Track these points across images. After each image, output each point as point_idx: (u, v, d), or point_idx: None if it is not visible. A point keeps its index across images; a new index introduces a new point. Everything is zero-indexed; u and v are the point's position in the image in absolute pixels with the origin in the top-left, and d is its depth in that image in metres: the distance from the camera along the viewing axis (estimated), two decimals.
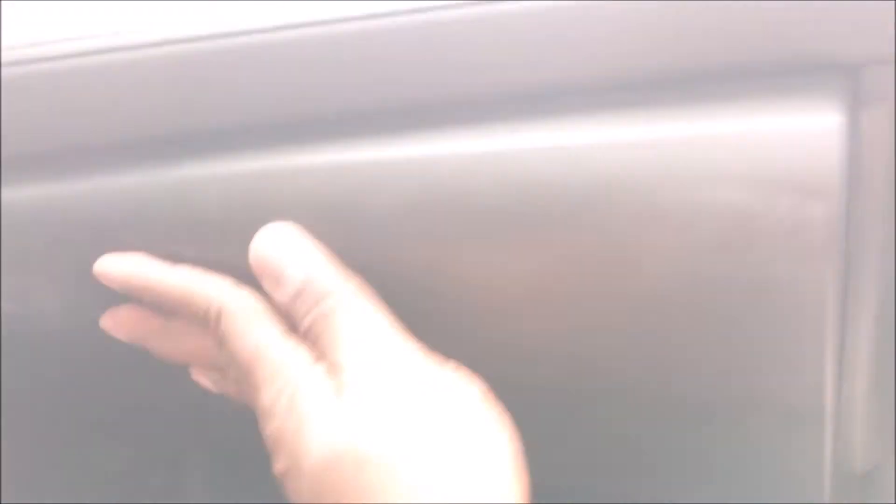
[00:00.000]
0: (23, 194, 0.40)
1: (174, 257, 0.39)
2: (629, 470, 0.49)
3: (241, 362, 0.35)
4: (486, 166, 0.35)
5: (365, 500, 0.30)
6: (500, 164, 0.35)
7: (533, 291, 0.37)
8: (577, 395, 0.42)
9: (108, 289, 0.40)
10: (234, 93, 0.37)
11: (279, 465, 0.32)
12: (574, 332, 0.38)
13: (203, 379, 0.40)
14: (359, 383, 0.32)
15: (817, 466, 0.46)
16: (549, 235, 0.35)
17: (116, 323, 0.41)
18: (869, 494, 0.58)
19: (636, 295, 0.36)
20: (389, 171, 0.36)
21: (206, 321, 0.36)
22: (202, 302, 0.37)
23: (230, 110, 0.37)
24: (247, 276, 0.37)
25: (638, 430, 0.45)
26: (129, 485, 0.62)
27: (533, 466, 0.48)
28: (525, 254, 0.35)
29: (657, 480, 0.51)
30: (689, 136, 0.33)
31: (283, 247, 0.36)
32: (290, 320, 0.36)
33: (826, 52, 0.33)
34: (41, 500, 0.48)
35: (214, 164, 0.38)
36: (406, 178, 0.36)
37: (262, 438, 0.34)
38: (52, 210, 0.40)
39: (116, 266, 0.39)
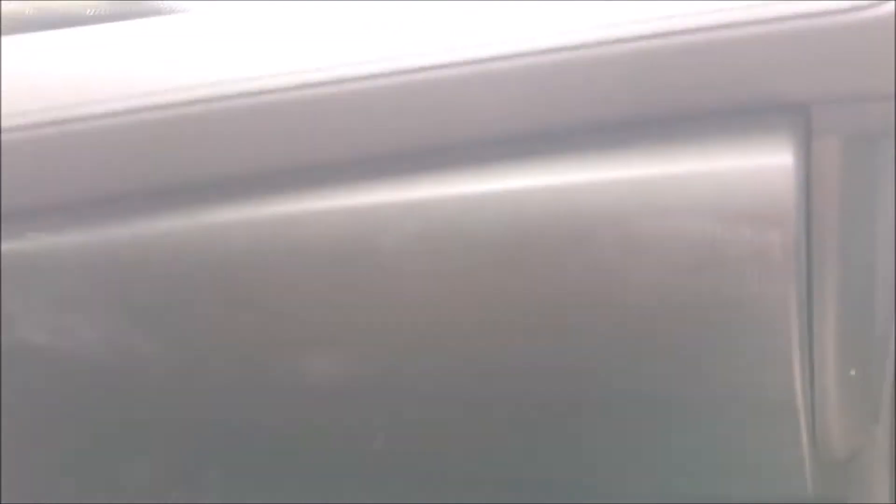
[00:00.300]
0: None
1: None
2: (617, 468, 0.53)
3: None
4: (482, 206, 0.39)
5: None
6: (494, 203, 0.39)
7: (531, 313, 0.41)
8: (568, 402, 0.46)
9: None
10: (242, 146, 0.41)
11: None
12: (568, 347, 0.42)
13: None
14: None
15: (798, 458, 0.50)
16: (542, 264, 0.39)
17: None
18: (853, 481, 0.61)
19: (621, 314, 0.40)
20: (395, 214, 0.40)
21: None
22: None
23: (231, 164, 0.41)
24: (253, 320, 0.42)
25: (625, 432, 0.49)
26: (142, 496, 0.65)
27: (534, 461, 0.51)
28: (522, 281, 0.39)
29: (646, 479, 0.54)
30: (658, 174, 0.37)
31: None
32: None
33: (778, 92, 0.37)
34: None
35: (223, 213, 0.42)
36: (410, 219, 0.40)
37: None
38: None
39: None
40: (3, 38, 0.47)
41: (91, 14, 0.52)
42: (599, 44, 0.37)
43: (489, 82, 0.38)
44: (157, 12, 0.50)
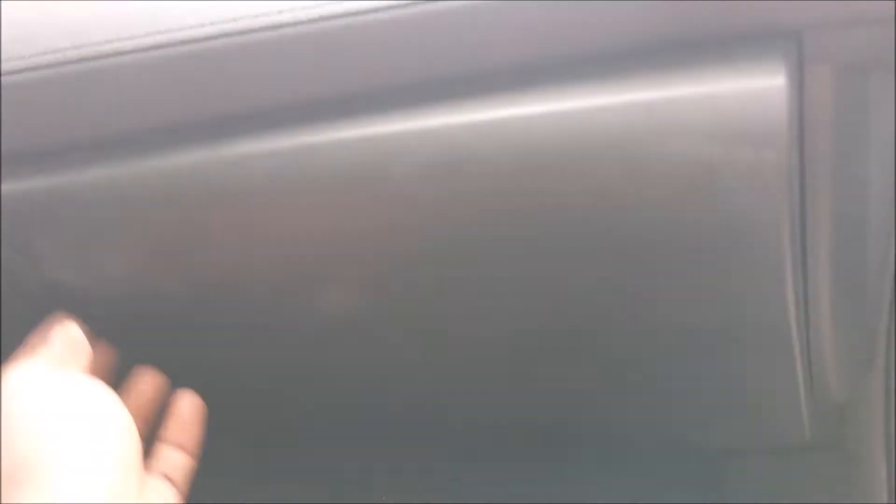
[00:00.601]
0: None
1: None
2: (610, 413, 0.54)
3: None
4: (488, 133, 0.41)
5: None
6: (499, 131, 0.40)
7: (535, 235, 0.42)
8: (571, 338, 0.48)
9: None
10: (251, 82, 0.42)
11: None
12: (570, 275, 0.44)
13: None
14: None
15: (794, 401, 0.51)
16: (545, 188, 0.41)
17: None
18: (848, 426, 0.62)
19: (619, 237, 0.41)
20: (403, 143, 0.42)
21: None
22: None
23: (247, 98, 0.43)
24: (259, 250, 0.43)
25: (622, 372, 0.51)
26: None
27: (531, 397, 0.52)
28: (526, 205, 0.41)
29: (641, 425, 0.55)
30: (657, 99, 0.38)
31: None
32: None
33: (770, 19, 0.38)
34: None
35: (237, 147, 0.44)
36: (419, 147, 0.41)
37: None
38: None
39: None
40: None
41: None
42: None
43: (490, 13, 0.39)
44: None
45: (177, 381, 0.52)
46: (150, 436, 0.44)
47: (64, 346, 0.42)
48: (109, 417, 0.37)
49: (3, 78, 0.44)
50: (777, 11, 0.38)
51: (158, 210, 0.45)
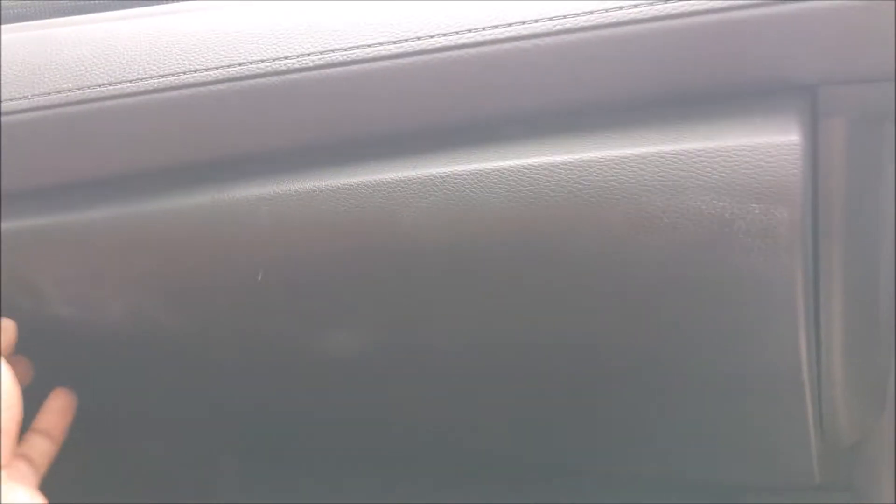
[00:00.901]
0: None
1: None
2: (621, 451, 0.54)
3: None
4: (497, 182, 0.40)
5: None
6: (509, 179, 0.40)
7: (543, 287, 0.42)
8: (575, 380, 0.47)
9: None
10: (256, 126, 0.42)
11: None
12: (576, 323, 0.43)
13: None
14: None
15: (804, 443, 0.50)
16: (555, 239, 0.40)
17: None
18: (858, 467, 0.62)
19: (631, 290, 0.41)
20: (414, 188, 0.41)
21: None
22: None
23: (251, 142, 0.43)
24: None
25: (631, 414, 0.50)
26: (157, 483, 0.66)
27: (543, 438, 0.52)
28: (534, 256, 0.41)
29: (652, 463, 0.55)
30: (671, 152, 0.38)
31: None
32: None
33: (786, 73, 0.38)
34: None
35: (242, 190, 0.43)
36: (429, 194, 0.41)
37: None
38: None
39: None
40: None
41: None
42: (612, 24, 0.38)
43: (505, 62, 0.39)
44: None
45: (173, 414, 0.53)
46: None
47: None
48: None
49: (8, 117, 0.44)
50: (793, 65, 0.37)
51: (160, 249, 0.45)
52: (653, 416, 0.51)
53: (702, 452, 0.56)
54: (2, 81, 0.44)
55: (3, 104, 0.44)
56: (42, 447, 0.47)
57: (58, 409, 0.48)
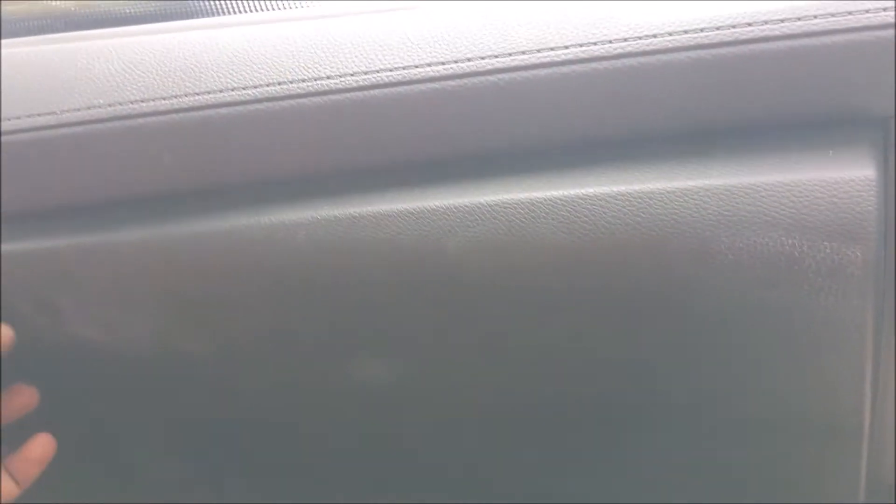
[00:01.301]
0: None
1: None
2: (673, 478, 0.52)
3: None
4: (551, 211, 0.38)
5: None
6: (564, 209, 0.38)
7: (596, 323, 0.40)
8: (630, 412, 0.45)
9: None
10: (298, 148, 0.40)
11: None
12: (634, 361, 0.41)
13: None
14: None
15: (854, 477, 0.49)
16: (610, 273, 0.38)
17: None
18: None
19: (692, 327, 0.39)
20: (460, 217, 0.39)
21: None
22: None
23: (298, 163, 0.41)
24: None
25: (688, 443, 0.48)
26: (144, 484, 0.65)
27: (589, 466, 0.50)
28: (588, 289, 0.39)
29: (709, 488, 0.53)
30: (738, 185, 0.36)
31: None
32: None
33: (860, 104, 0.36)
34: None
35: (286, 213, 0.42)
36: (476, 223, 0.39)
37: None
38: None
39: None
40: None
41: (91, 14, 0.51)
42: (680, 49, 0.36)
43: (571, 86, 0.37)
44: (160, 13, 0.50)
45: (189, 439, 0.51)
46: None
47: None
48: None
49: (28, 134, 0.42)
50: (867, 96, 0.35)
51: (195, 272, 0.43)
52: (705, 452, 0.49)
53: (755, 484, 0.54)
54: (28, 97, 0.42)
55: (28, 120, 0.42)
56: (7, 487, 0.46)
57: (36, 458, 0.47)
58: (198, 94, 0.41)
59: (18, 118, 0.42)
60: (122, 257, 0.44)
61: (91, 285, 0.44)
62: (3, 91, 0.43)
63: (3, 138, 0.42)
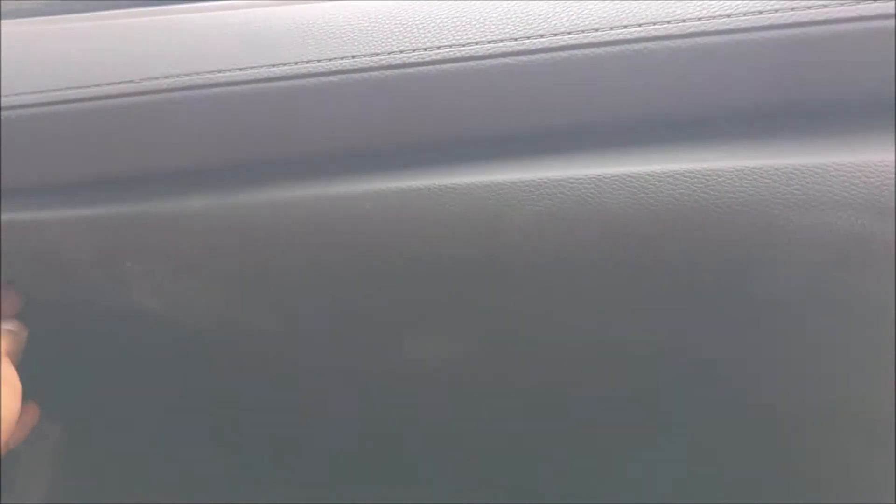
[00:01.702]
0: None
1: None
2: (726, 471, 0.52)
3: None
4: (618, 188, 0.39)
5: None
6: (631, 186, 0.38)
7: (659, 299, 0.40)
8: (671, 398, 0.46)
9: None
10: (364, 119, 0.41)
11: None
12: (693, 337, 0.41)
13: None
14: None
15: (888, 470, 0.48)
16: (676, 249, 0.39)
17: None
18: None
19: (757, 306, 0.39)
20: (526, 191, 0.40)
21: None
22: None
23: (354, 136, 0.41)
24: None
25: (733, 435, 0.48)
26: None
27: (631, 452, 0.50)
28: (653, 265, 0.39)
29: (741, 480, 0.53)
30: (808, 165, 0.36)
31: None
32: None
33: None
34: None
35: (363, 184, 0.42)
36: (543, 197, 0.40)
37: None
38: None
39: None
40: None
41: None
42: (747, 29, 0.36)
43: (640, 64, 0.38)
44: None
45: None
46: None
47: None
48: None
49: (108, 100, 0.43)
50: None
51: (260, 241, 0.44)
52: (744, 434, 0.49)
53: (788, 476, 0.54)
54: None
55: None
56: None
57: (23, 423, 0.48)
58: (272, 65, 0.41)
59: (98, 85, 0.43)
60: (190, 225, 0.45)
61: (160, 252, 0.45)
62: (83, 58, 0.44)
63: (78, 105, 0.43)
